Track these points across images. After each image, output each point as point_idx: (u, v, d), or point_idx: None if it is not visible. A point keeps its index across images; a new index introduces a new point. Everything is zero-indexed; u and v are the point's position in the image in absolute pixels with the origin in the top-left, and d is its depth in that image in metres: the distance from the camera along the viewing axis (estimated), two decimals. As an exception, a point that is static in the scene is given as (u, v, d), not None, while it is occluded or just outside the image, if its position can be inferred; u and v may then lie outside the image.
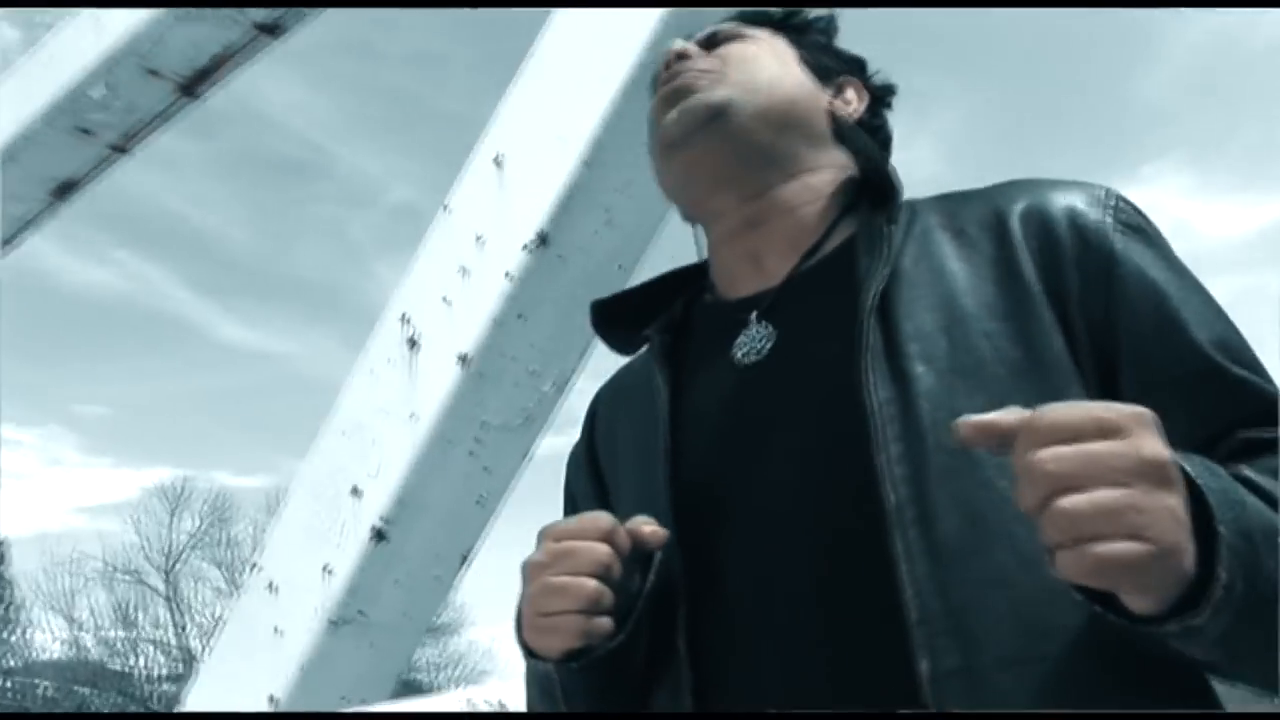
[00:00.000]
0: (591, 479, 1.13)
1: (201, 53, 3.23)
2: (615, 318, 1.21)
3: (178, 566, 24.41)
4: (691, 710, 0.89)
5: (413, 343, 2.01)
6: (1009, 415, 0.71)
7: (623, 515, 1.06)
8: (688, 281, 1.20)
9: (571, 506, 1.21)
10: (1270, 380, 0.90)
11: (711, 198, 1.09)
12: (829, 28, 1.23)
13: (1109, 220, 0.94)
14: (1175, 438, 0.71)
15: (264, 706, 2.01)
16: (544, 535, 0.93)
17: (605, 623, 0.88)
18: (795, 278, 1.04)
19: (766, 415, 0.96)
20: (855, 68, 1.21)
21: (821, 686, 0.87)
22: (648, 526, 0.93)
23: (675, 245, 2.24)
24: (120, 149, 3.66)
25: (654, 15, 1.85)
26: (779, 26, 1.19)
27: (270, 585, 2.10)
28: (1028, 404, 0.80)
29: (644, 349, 1.20)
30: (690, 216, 1.17)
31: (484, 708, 1.49)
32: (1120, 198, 0.98)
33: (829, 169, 1.11)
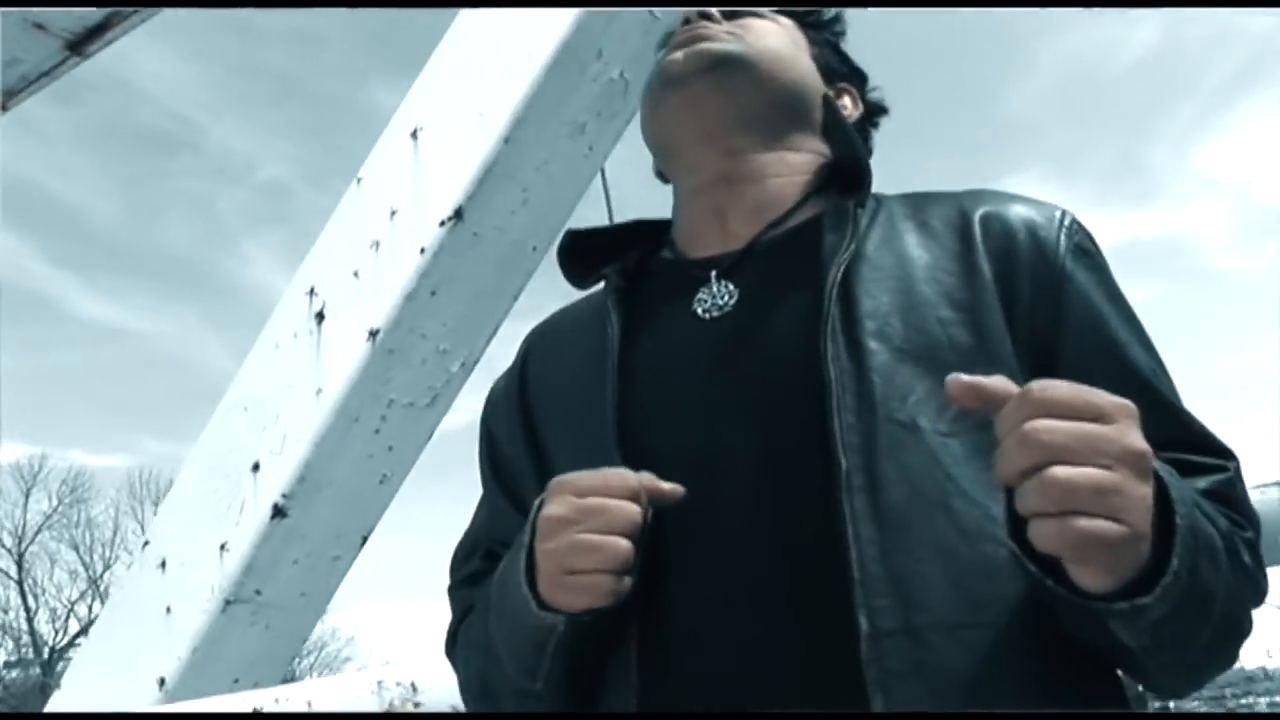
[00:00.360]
0: (519, 417, 1.12)
1: (93, 10, 3.09)
2: (576, 253, 1.20)
3: (30, 548, 23.51)
4: (636, 668, 0.89)
5: (320, 316, 1.96)
6: (999, 381, 0.73)
7: (557, 451, 1.05)
8: (648, 235, 1.20)
9: (490, 444, 1.20)
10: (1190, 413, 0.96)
11: (693, 148, 1.10)
12: (841, 29, 1.25)
13: (1063, 240, 0.99)
14: None
15: (152, 688, 1.94)
16: (562, 488, 0.91)
17: (629, 583, 0.88)
18: (759, 243, 1.05)
19: (724, 370, 0.97)
20: (858, 78, 1.24)
21: (767, 636, 0.88)
22: (665, 484, 0.92)
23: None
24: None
25: (581, -7, 1.83)
26: (798, 19, 1.21)
27: (161, 563, 2.02)
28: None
29: (588, 293, 1.20)
30: (666, 164, 1.17)
31: (395, 690, 1.46)
32: (1075, 221, 1.03)
33: (808, 153, 1.13)
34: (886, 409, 0.89)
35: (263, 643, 2.02)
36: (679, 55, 1.09)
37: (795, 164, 1.11)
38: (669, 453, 0.98)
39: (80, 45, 3.18)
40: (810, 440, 0.90)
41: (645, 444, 0.98)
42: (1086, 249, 1.01)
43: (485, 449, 1.22)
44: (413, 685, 1.46)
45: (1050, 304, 0.95)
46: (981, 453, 0.88)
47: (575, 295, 1.22)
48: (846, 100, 1.20)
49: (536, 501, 0.92)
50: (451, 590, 1.17)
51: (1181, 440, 0.92)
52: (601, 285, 1.20)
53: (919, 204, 1.06)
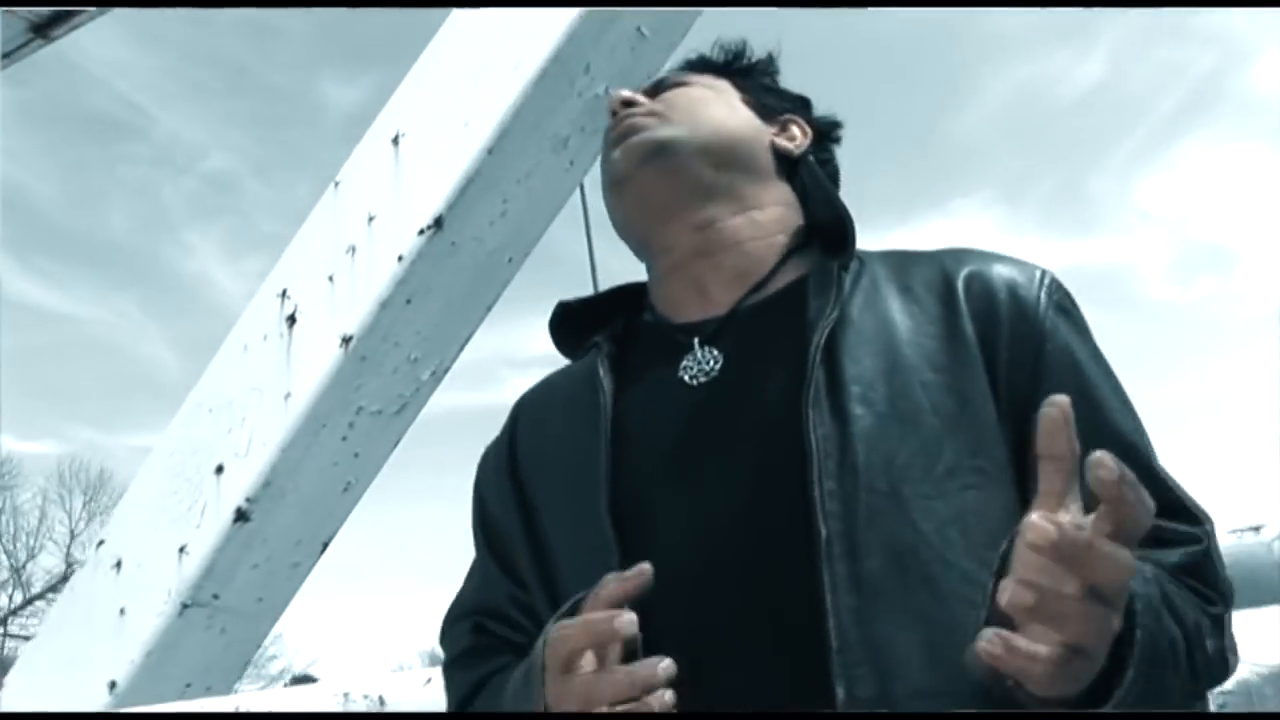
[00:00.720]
0: (510, 482, 1.12)
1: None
2: (565, 322, 1.21)
3: (-50, 536, 22.99)
4: None
5: (292, 320, 1.94)
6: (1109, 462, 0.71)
7: (549, 518, 1.06)
8: (630, 298, 1.21)
9: (481, 508, 1.20)
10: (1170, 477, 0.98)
11: (660, 230, 1.11)
12: (771, 68, 1.26)
13: (1044, 298, 1.01)
14: (1085, 507, 0.75)
15: (102, 691, 1.90)
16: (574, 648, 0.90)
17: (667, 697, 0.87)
18: (742, 309, 1.06)
19: (709, 436, 0.98)
20: (799, 105, 1.24)
21: (747, 701, 0.89)
22: (635, 578, 0.91)
23: (560, 243, 2.23)
24: (-43, 87, 3.41)
25: (576, 4, 1.83)
26: (722, 71, 1.22)
27: (117, 563, 1.98)
28: (957, 454, 0.86)
29: (574, 359, 1.20)
30: (641, 251, 1.18)
31: (362, 703, 1.44)
32: (1055, 280, 1.05)
33: (776, 205, 1.14)
34: (869, 476, 0.90)
35: (217, 647, 1.99)
36: (616, 154, 1.11)
37: (766, 224, 1.12)
38: (659, 518, 0.98)
39: (46, 28, 3.12)
40: (793, 507, 0.91)
41: (637, 510, 0.99)
42: (1066, 308, 1.03)
43: (477, 513, 1.21)
44: (380, 699, 1.44)
45: (1031, 363, 0.97)
46: (964, 515, 0.89)
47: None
48: (794, 130, 1.21)
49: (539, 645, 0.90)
50: (446, 668, 1.16)
51: (1160, 506, 0.93)
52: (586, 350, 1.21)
53: (901, 265, 1.07)
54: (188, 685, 1.99)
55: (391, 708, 1.43)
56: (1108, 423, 0.97)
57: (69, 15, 3.01)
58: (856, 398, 0.94)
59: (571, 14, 1.84)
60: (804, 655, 0.86)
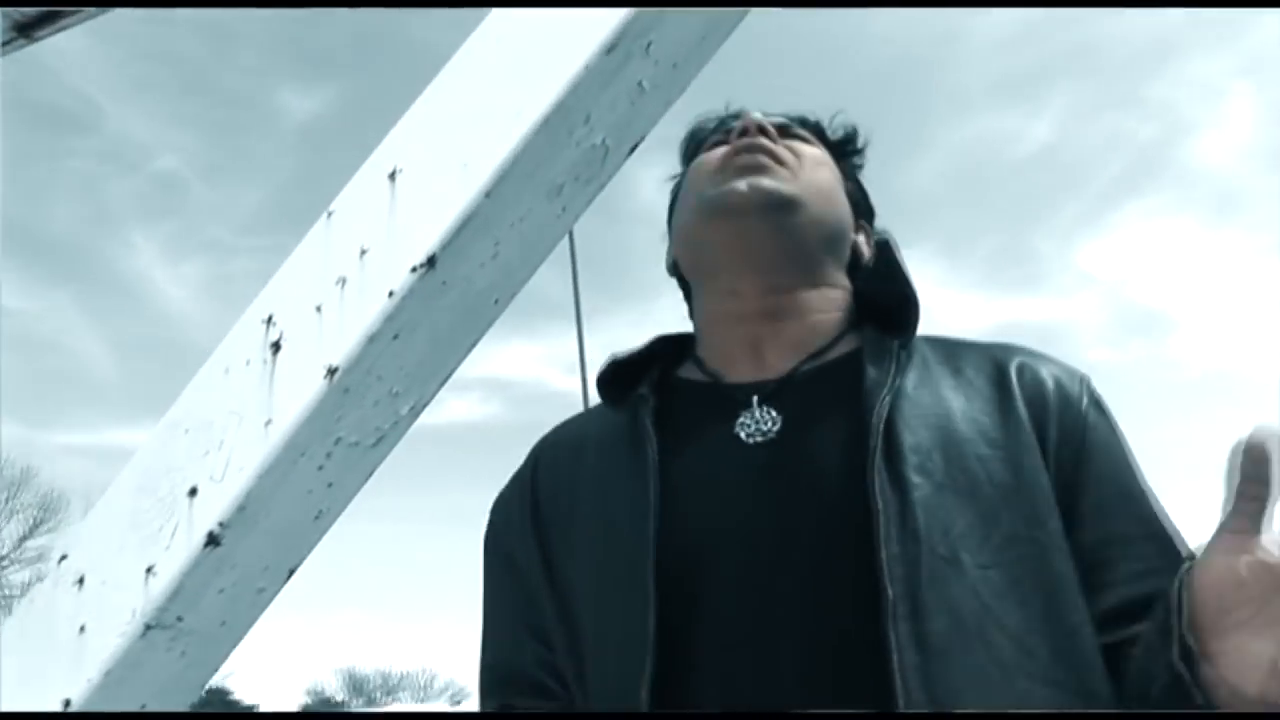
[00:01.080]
0: (532, 531, 1.15)
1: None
2: (612, 374, 1.24)
3: None
4: None
5: (276, 346, 1.94)
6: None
7: (582, 566, 1.09)
8: (667, 350, 1.25)
9: (505, 555, 1.21)
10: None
11: (741, 275, 1.15)
12: (863, 160, 1.32)
13: (1085, 395, 1.08)
14: (1121, 580, 0.81)
15: (57, 709, 1.88)
16: None
17: None
18: (799, 372, 1.10)
19: (770, 495, 1.03)
20: (869, 214, 1.30)
21: None
22: None
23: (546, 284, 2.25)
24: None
25: (582, 55, 1.86)
26: (833, 146, 1.27)
27: (79, 580, 1.96)
28: (1013, 524, 0.91)
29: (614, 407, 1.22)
30: (700, 278, 1.21)
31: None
32: (1090, 382, 1.11)
33: (841, 288, 1.20)
34: (930, 541, 0.95)
35: (177, 670, 1.97)
36: (742, 185, 1.14)
37: (833, 299, 1.18)
38: (711, 575, 1.02)
39: (31, 28, 3.10)
40: (856, 568, 0.95)
41: (686, 564, 1.02)
42: (1102, 405, 1.10)
43: (499, 560, 1.23)
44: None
45: (1075, 448, 1.03)
46: (1020, 584, 0.94)
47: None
48: (862, 239, 1.26)
49: None
50: None
51: None
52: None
53: (951, 350, 1.13)
54: (143, 705, 1.97)
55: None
56: (1144, 512, 1.04)
57: (56, 16, 2.99)
58: (915, 467, 0.99)
59: (576, 65, 1.87)
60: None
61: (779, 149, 1.24)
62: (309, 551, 2.11)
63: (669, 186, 1.36)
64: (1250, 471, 0.83)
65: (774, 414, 1.11)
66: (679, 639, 0.98)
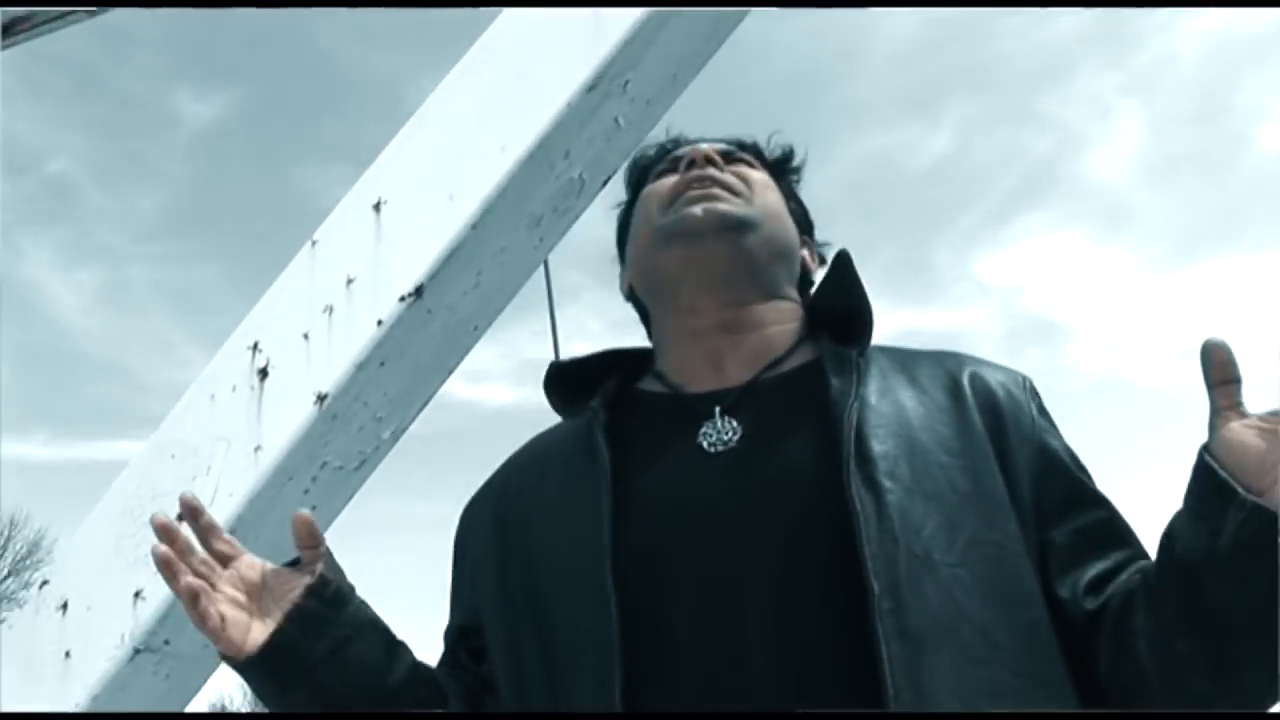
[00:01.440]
0: (493, 537, 1.22)
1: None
2: (557, 382, 1.31)
3: None
4: None
5: (264, 373, 1.98)
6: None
7: (545, 574, 1.15)
8: (621, 363, 1.32)
9: (462, 556, 1.29)
10: None
11: (699, 293, 1.23)
12: (800, 176, 1.40)
13: (1032, 403, 1.18)
14: (1095, 558, 0.94)
15: (44, 735, 1.89)
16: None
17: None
18: (759, 383, 1.18)
19: (738, 500, 1.09)
20: (810, 229, 1.39)
21: None
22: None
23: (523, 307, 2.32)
24: None
25: (565, 92, 1.94)
26: (771, 166, 1.35)
27: (63, 605, 1.98)
28: (975, 528, 1.00)
29: (568, 417, 1.29)
30: (658, 300, 1.28)
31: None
32: (1031, 383, 1.21)
33: (792, 301, 1.28)
34: (905, 541, 1.03)
35: (160, 693, 2.00)
36: (698, 210, 1.23)
37: (787, 312, 1.26)
38: (676, 581, 1.08)
39: (9, 28, 3.05)
40: (832, 567, 1.03)
41: (645, 572, 1.08)
42: (1043, 406, 1.20)
43: (459, 560, 1.30)
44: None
45: (1031, 455, 1.14)
46: (983, 582, 1.03)
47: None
48: (807, 253, 1.35)
49: None
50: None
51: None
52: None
53: (904, 360, 1.22)
54: (126, 730, 1.99)
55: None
56: (1095, 495, 1.14)
57: (29, 18, 2.96)
58: (885, 473, 1.07)
59: (559, 102, 1.95)
60: (856, 703, 0.97)
61: (728, 177, 1.29)
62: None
63: (615, 213, 1.44)
64: (1215, 363, 0.95)
65: (735, 424, 1.17)
66: (648, 643, 1.04)
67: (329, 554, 1.20)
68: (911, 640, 0.99)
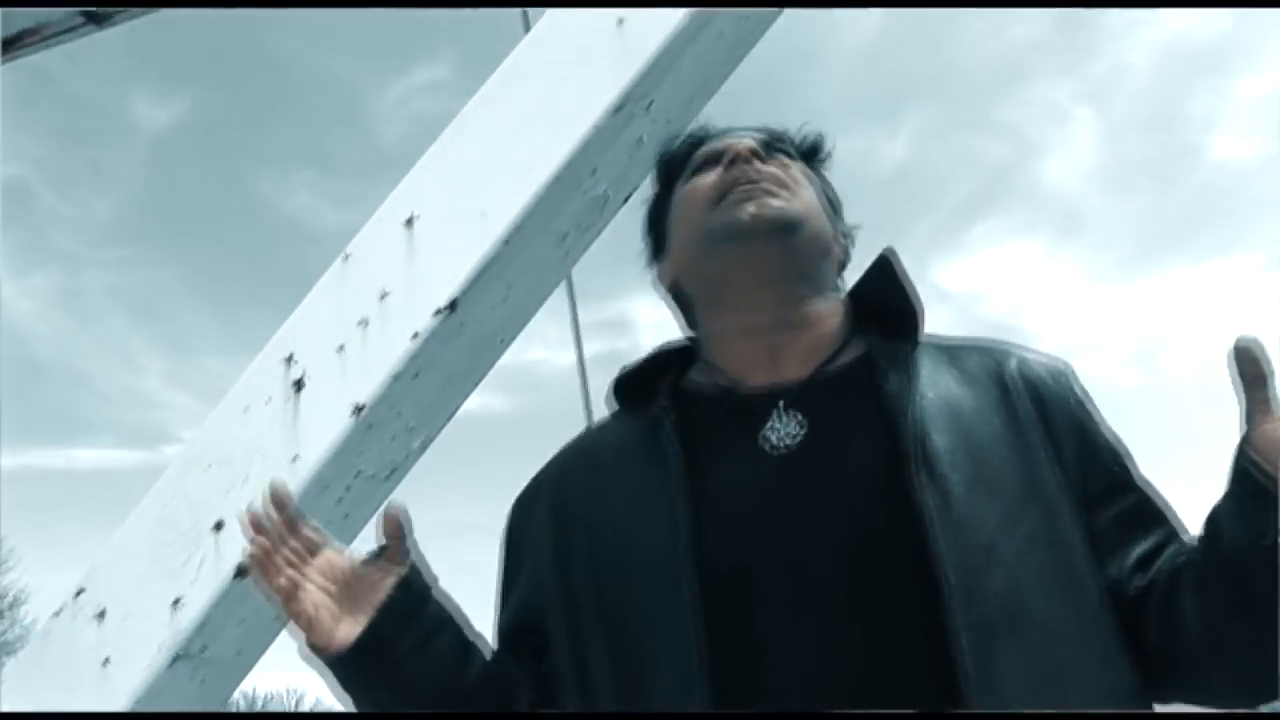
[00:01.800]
0: (551, 536, 1.25)
1: (12, 24, 3.02)
2: (622, 384, 1.34)
3: None
4: None
5: (299, 385, 2.03)
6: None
7: (613, 575, 1.18)
8: (670, 360, 1.35)
9: (517, 554, 1.32)
10: None
11: (752, 292, 1.27)
12: (829, 164, 1.43)
13: (1075, 390, 1.24)
14: (1139, 537, 1.02)
15: (85, 742, 1.92)
16: None
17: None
18: (816, 379, 1.23)
19: (812, 501, 1.13)
20: (840, 217, 1.42)
21: None
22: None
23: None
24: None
25: (593, 113, 2.00)
26: (805, 156, 1.38)
27: (100, 613, 2.01)
28: (1034, 522, 1.07)
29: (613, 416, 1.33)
30: (710, 299, 1.31)
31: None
32: (1073, 371, 1.27)
33: (837, 294, 1.33)
34: (973, 534, 1.09)
35: (193, 699, 2.03)
36: (749, 210, 1.25)
37: (833, 306, 1.31)
38: (756, 576, 1.13)
39: (10, 44, 3.06)
40: (905, 563, 1.08)
41: (729, 572, 1.13)
42: (1085, 393, 1.27)
43: (511, 554, 1.33)
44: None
45: (1076, 444, 1.20)
46: (1045, 571, 1.09)
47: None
48: (841, 244, 1.39)
49: None
50: None
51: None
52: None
53: (950, 353, 1.28)
54: (161, 736, 2.02)
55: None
56: (1137, 477, 1.21)
57: (37, 30, 2.98)
58: (948, 467, 1.13)
59: (587, 123, 2.02)
60: (928, 697, 1.03)
61: (772, 170, 1.33)
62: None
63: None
64: (1248, 364, 1.01)
65: (797, 420, 1.21)
66: (732, 646, 1.07)
67: (414, 548, 1.23)
68: (984, 630, 1.05)
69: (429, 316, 1.97)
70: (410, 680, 1.19)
